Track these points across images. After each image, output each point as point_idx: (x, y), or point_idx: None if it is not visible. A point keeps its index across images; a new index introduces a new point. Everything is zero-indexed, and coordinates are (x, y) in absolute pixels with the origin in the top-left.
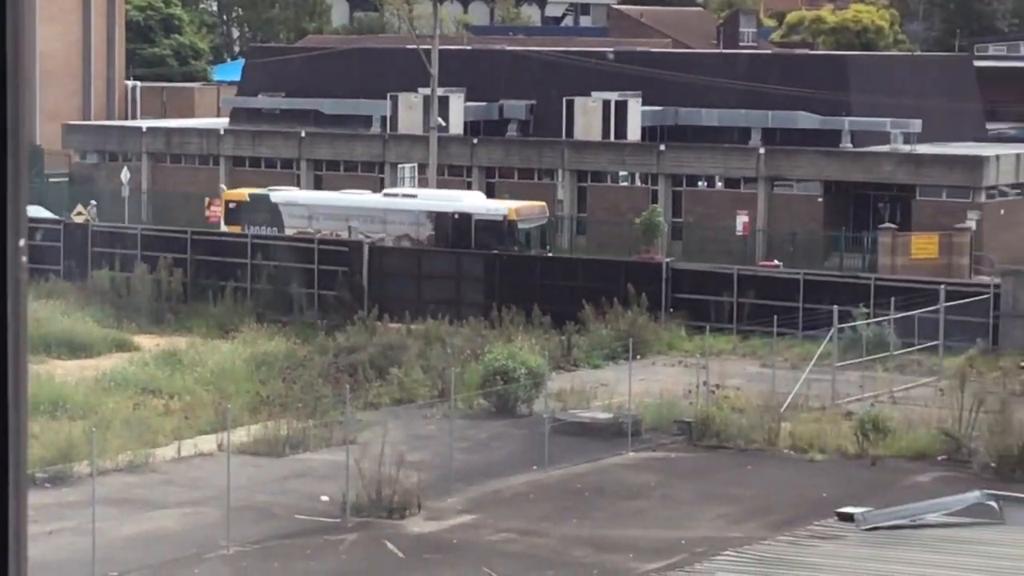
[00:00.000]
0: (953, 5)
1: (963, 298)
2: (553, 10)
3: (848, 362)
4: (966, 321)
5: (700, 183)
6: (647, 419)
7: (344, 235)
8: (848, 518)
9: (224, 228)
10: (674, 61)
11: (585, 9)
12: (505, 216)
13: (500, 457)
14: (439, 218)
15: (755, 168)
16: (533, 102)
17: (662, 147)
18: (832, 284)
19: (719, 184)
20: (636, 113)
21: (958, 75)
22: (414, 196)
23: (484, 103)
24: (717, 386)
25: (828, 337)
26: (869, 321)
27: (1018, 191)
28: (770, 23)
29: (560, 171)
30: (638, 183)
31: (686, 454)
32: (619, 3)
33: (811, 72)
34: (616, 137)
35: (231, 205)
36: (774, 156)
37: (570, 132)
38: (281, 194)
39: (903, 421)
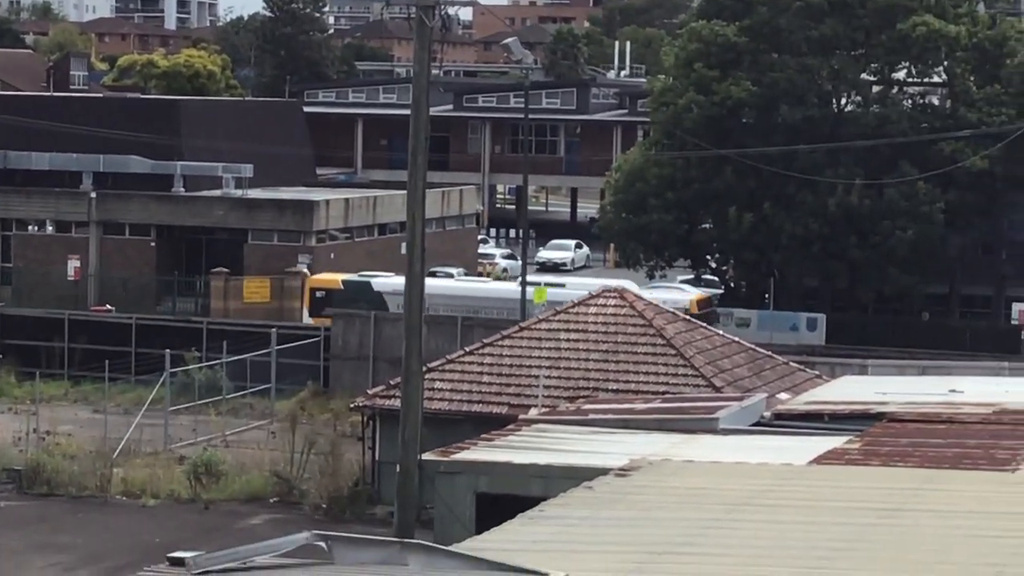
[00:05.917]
0: (284, 52)
1: (295, 341)
2: None
3: (181, 406)
4: (298, 364)
5: (31, 227)
6: None
7: None
8: (179, 563)
9: (310, 321)
10: (2, 104)
11: None
12: (686, 309)
13: None
14: None
15: (86, 212)
16: None
17: None
18: (165, 328)
19: (50, 228)
20: None
21: (288, 120)
22: (563, 286)
23: None
24: (48, 433)
25: (160, 382)
26: (201, 365)
27: (347, 235)
28: (102, 67)
29: None
30: None
31: (16, 503)
32: None
33: (143, 116)
34: None
35: (319, 294)
36: (105, 200)
37: None
38: (385, 280)
39: (236, 464)
